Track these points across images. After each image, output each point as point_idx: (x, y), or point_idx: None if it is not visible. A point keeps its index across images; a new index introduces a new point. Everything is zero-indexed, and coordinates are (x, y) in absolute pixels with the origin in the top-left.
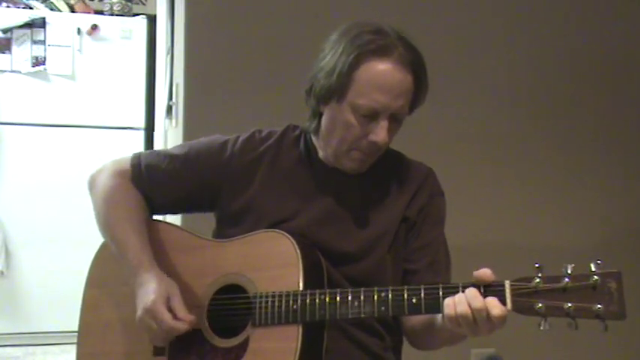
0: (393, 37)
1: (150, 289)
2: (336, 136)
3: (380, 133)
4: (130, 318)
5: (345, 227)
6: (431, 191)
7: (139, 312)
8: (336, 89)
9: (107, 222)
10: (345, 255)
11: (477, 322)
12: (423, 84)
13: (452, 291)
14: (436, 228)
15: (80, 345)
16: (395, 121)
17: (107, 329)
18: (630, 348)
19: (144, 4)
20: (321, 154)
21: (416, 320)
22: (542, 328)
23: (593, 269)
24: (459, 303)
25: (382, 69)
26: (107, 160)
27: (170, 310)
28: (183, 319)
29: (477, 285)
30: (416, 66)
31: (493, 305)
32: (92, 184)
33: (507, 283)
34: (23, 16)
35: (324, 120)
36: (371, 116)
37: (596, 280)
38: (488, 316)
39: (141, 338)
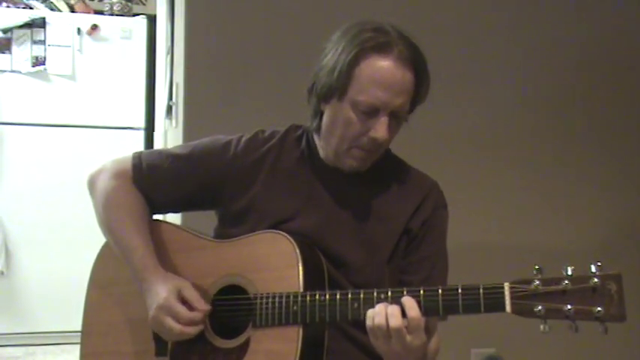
0: (394, 36)
1: (159, 289)
2: (336, 134)
3: (380, 129)
4: (133, 318)
5: (345, 230)
6: (435, 205)
7: (152, 311)
8: (337, 87)
9: (110, 224)
10: (343, 259)
11: (392, 335)
12: (423, 82)
13: (451, 293)
14: (437, 241)
15: (83, 345)
16: (395, 118)
17: (110, 329)
18: (631, 347)
19: (144, 4)
20: (322, 153)
21: None
22: (542, 330)
23: (593, 271)
24: (378, 314)
25: (382, 66)
26: (106, 160)
27: (184, 302)
28: (199, 308)
29: (475, 287)
30: (417, 64)
31: (411, 307)
32: (92, 185)
33: (507, 286)
34: (23, 16)
35: (325, 118)
36: (371, 113)
37: (596, 282)
38: (406, 328)
39: (143, 338)
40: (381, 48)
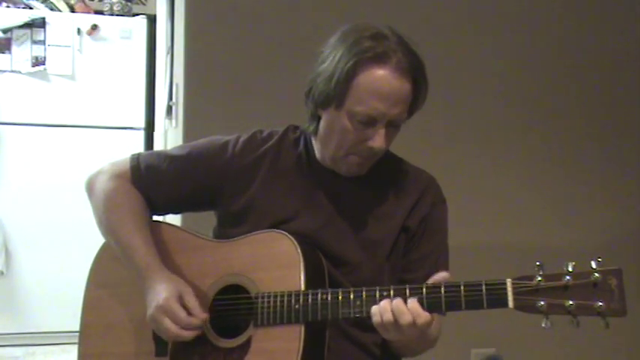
0: (393, 42)
1: (161, 289)
2: (333, 141)
3: (377, 139)
4: (132, 318)
5: (344, 230)
6: (432, 200)
7: (151, 310)
8: (334, 96)
9: (110, 225)
10: (343, 259)
11: (404, 329)
12: (421, 90)
13: (453, 290)
14: (436, 237)
15: (81, 345)
16: (392, 126)
17: (109, 330)
18: (631, 347)
19: (144, 4)
20: (319, 156)
21: None
22: (544, 325)
23: (594, 266)
24: (385, 311)
25: (380, 76)
26: (104, 162)
27: (183, 307)
28: (198, 316)
29: (478, 283)
30: (415, 72)
31: (418, 314)
32: (90, 187)
33: (509, 282)
34: (23, 16)
35: (322, 124)
36: (368, 123)
37: (597, 277)
38: (414, 323)
39: (143, 338)
40: (379, 58)
